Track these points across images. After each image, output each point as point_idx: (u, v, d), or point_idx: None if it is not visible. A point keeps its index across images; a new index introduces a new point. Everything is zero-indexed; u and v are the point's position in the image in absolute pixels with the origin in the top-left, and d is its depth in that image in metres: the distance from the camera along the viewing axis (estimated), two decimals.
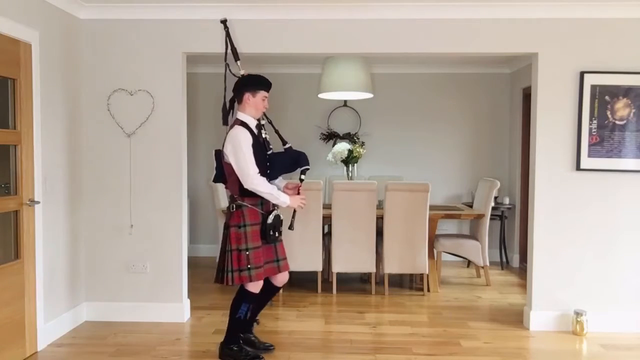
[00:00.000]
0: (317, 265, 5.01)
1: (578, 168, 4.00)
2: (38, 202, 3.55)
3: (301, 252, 4.94)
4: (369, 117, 6.61)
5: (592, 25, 3.96)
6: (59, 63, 3.85)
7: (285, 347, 3.64)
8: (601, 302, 4.05)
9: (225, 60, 3.83)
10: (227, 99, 3.46)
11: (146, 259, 4.20)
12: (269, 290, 3.52)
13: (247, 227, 3.25)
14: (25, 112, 3.46)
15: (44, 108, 3.65)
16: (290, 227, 3.46)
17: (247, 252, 3.23)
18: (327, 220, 5.06)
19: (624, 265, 4.04)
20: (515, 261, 6.34)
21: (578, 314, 3.96)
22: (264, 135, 3.40)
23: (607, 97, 3.95)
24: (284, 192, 3.38)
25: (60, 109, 3.88)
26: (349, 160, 5.47)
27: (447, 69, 6.53)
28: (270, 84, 3.40)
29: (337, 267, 5.02)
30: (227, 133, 3.31)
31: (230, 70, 3.69)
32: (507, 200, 6.23)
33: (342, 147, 5.45)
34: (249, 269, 3.22)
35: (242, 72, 3.58)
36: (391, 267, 4.98)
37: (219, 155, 3.36)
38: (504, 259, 6.27)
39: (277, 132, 3.54)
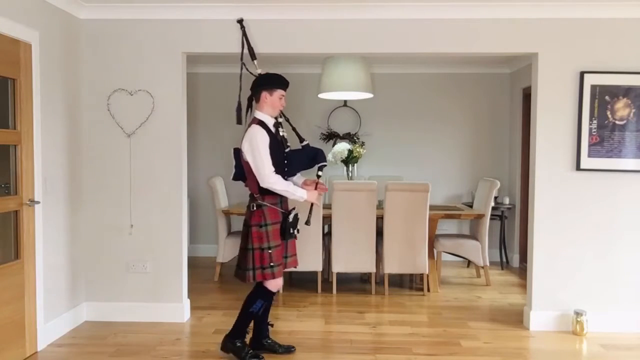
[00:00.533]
0: (317, 265, 5.01)
1: (578, 168, 4.00)
2: (38, 202, 3.55)
3: (301, 252, 4.92)
4: (369, 117, 6.61)
5: (592, 25, 3.96)
6: (59, 63, 3.85)
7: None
8: (601, 302, 4.05)
9: (242, 59, 3.84)
10: (242, 98, 3.48)
11: (146, 259, 4.20)
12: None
13: (268, 226, 3.28)
14: (25, 112, 3.46)
15: (44, 108, 3.65)
16: (307, 223, 3.47)
17: (270, 251, 3.27)
18: (327, 220, 5.07)
19: (624, 265, 4.04)
20: (515, 261, 6.34)
21: (578, 314, 3.96)
22: (281, 133, 3.41)
23: (607, 97, 3.95)
24: (302, 188, 3.42)
25: (60, 109, 3.88)
26: (349, 160, 5.47)
27: (447, 69, 6.53)
28: (288, 82, 3.40)
29: (337, 267, 5.02)
30: (244, 132, 3.34)
31: (247, 69, 3.70)
32: (507, 200, 6.23)
33: (342, 147, 5.45)
34: (271, 266, 3.27)
35: (258, 70, 3.59)
36: (391, 267, 4.98)
37: (238, 153, 3.40)
38: (504, 259, 6.27)
39: (294, 129, 3.57)
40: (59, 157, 3.87)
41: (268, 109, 3.35)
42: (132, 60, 4.13)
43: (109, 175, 4.17)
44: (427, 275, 5.08)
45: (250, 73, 3.61)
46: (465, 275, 5.88)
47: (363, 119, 6.61)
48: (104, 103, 4.14)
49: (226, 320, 4.24)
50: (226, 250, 5.44)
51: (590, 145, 3.98)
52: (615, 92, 3.95)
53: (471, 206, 5.84)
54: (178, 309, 4.22)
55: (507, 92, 6.62)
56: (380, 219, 5.01)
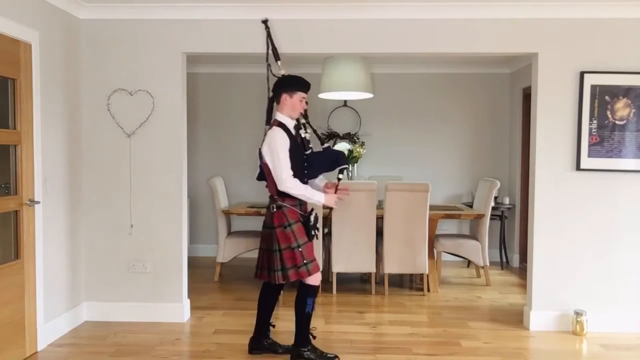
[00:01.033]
0: None
1: (578, 168, 4.00)
2: (38, 202, 3.55)
3: None
4: (369, 117, 6.61)
5: (592, 25, 3.96)
6: (59, 63, 3.85)
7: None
8: (601, 302, 4.05)
9: (267, 60, 3.82)
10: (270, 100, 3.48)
11: (146, 259, 4.20)
12: (278, 288, 3.54)
13: (291, 225, 3.28)
14: (25, 112, 3.46)
15: (44, 108, 3.65)
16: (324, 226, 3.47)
17: (300, 249, 3.26)
18: (326, 220, 5.06)
19: (624, 265, 4.04)
20: (515, 261, 6.34)
21: (578, 314, 3.96)
22: (302, 135, 3.41)
23: (607, 97, 3.95)
24: (323, 191, 3.43)
25: (60, 109, 3.88)
26: (349, 160, 5.47)
27: (447, 69, 6.53)
28: (309, 84, 3.39)
29: (337, 267, 5.01)
30: (265, 133, 3.34)
31: (271, 70, 3.68)
32: (507, 200, 6.23)
33: (342, 147, 5.46)
34: (305, 264, 3.26)
35: (282, 72, 3.57)
36: (391, 267, 4.98)
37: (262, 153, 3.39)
38: (504, 259, 6.27)
39: (315, 132, 3.57)
40: (59, 157, 3.87)
41: (288, 111, 3.34)
42: (133, 60, 4.13)
43: (109, 175, 4.17)
44: (427, 275, 5.08)
45: (274, 75, 3.57)
46: (465, 275, 5.88)
47: (363, 119, 6.61)
48: (104, 103, 4.14)
49: (226, 320, 4.25)
50: (226, 250, 5.44)
51: (590, 145, 3.98)
52: (615, 92, 3.95)
53: (471, 206, 5.84)
54: (178, 309, 4.22)
55: (507, 92, 6.62)
56: (380, 219, 5.01)
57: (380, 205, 5.08)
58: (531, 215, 4.15)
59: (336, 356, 3.41)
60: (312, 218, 3.35)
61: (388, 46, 4.08)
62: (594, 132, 3.97)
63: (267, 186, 3.39)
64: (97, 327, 4.08)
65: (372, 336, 3.94)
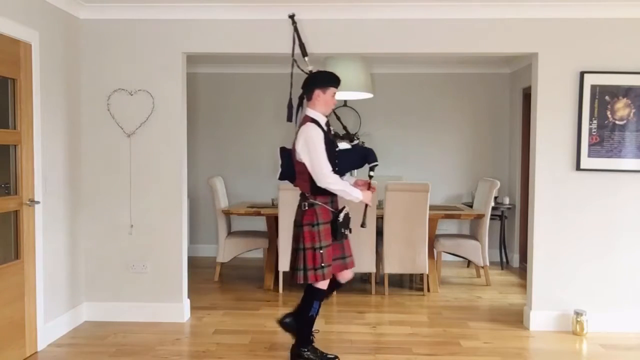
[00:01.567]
0: None
1: (578, 168, 4.00)
2: (38, 202, 3.55)
3: None
4: (369, 117, 6.61)
5: (592, 25, 3.96)
6: (59, 63, 3.85)
7: (285, 347, 3.63)
8: (601, 302, 4.05)
9: (293, 56, 3.73)
10: (294, 96, 3.42)
11: (146, 259, 4.20)
12: (330, 287, 3.47)
13: (320, 225, 3.24)
14: (25, 112, 3.46)
15: (44, 108, 3.65)
16: (363, 225, 3.42)
17: (322, 251, 3.22)
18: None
19: (624, 265, 4.04)
20: (515, 261, 6.34)
21: (578, 314, 3.96)
22: (332, 132, 3.37)
23: (607, 97, 3.95)
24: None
25: (60, 109, 3.88)
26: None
27: (447, 69, 6.53)
28: (340, 80, 3.34)
29: None
30: (297, 130, 3.30)
31: (298, 66, 3.62)
32: (507, 200, 6.22)
33: (342, 147, 5.44)
34: (322, 267, 3.22)
35: (309, 68, 3.51)
36: (391, 267, 4.98)
37: (284, 153, 3.36)
38: (504, 259, 6.27)
39: (344, 128, 3.52)
40: (59, 157, 3.87)
41: (321, 107, 3.30)
42: (132, 60, 4.13)
43: (109, 175, 4.17)
44: (427, 275, 5.08)
45: (302, 70, 3.51)
46: (465, 275, 5.88)
47: (363, 119, 6.60)
48: (104, 103, 4.14)
49: (226, 320, 4.25)
50: (226, 250, 5.44)
51: (590, 145, 3.98)
52: (615, 92, 3.95)
53: (471, 206, 5.84)
54: (178, 309, 4.22)
55: (507, 92, 6.62)
56: (380, 219, 5.01)
57: (380, 205, 5.08)
58: (531, 215, 4.15)
59: (336, 357, 3.40)
60: (341, 215, 3.29)
61: (388, 46, 4.08)
62: (594, 132, 3.97)
63: (295, 185, 3.36)
64: (97, 327, 4.08)
65: (372, 336, 3.94)
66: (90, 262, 4.22)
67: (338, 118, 3.46)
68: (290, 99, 3.45)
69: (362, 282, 5.45)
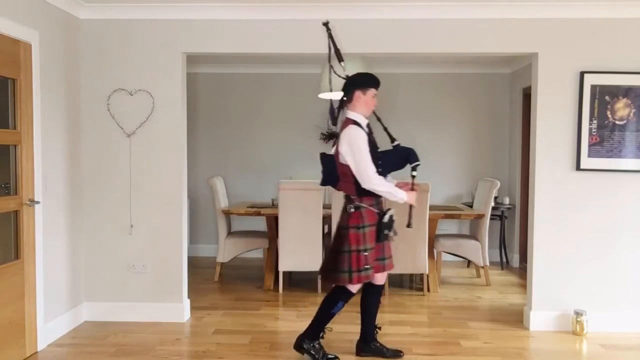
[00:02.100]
0: (317, 265, 4.98)
1: (578, 168, 4.00)
2: (38, 202, 3.55)
3: (301, 252, 4.94)
4: (368, 116, 6.59)
5: (592, 25, 3.96)
6: (59, 63, 3.85)
7: (285, 347, 3.64)
8: (601, 302, 4.05)
9: (329, 61, 3.64)
10: (335, 100, 3.41)
11: (146, 259, 4.20)
12: (375, 291, 3.46)
13: (365, 228, 3.23)
14: (25, 112, 3.46)
15: (44, 108, 3.65)
16: (409, 225, 3.41)
17: (366, 254, 3.22)
18: (327, 220, 5.06)
19: (624, 265, 4.04)
20: (515, 261, 6.34)
21: (578, 314, 3.96)
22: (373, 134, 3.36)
23: (607, 97, 3.95)
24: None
25: (60, 109, 3.88)
26: None
27: (447, 69, 6.53)
28: (379, 81, 3.34)
29: None
30: (339, 133, 3.29)
31: (334, 71, 3.56)
32: (507, 200, 6.23)
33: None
34: (365, 269, 3.22)
35: (345, 72, 3.47)
36: None
37: (325, 158, 3.34)
38: (504, 259, 6.27)
39: (385, 129, 3.49)
40: (59, 157, 3.87)
41: (362, 108, 3.30)
42: (132, 60, 4.13)
43: (109, 175, 4.17)
44: (427, 275, 5.08)
45: (338, 75, 3.48)
46: (465, 275, 5.88)
47: None
48: (104, 103, 4.14)
49: (226, 320, 4.25)
50: (226, 250, 5.44)
51: (590, 145, 3.98)
52: (615, 92, 3.95)
53: (471, 206, 5.84)
54: (178, 309, 4.22)
55: (507, 92, 6.62)
56: None
57: None
58: (531, 215, 4.15)
59: (336, 357, 3.41)
60: (386, 217, 3.28)
61: (388, 46, 4.08)
62: (594, 132, 3.97)
63: (338, 189, 3.35)
64: (97, 327, 4.08)
65: None
66: (90, 262, 4.22)
67: (379, 119, 3.46)
68: (332, 104, 3.42)
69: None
